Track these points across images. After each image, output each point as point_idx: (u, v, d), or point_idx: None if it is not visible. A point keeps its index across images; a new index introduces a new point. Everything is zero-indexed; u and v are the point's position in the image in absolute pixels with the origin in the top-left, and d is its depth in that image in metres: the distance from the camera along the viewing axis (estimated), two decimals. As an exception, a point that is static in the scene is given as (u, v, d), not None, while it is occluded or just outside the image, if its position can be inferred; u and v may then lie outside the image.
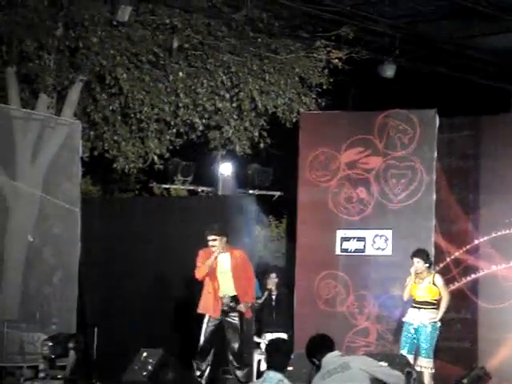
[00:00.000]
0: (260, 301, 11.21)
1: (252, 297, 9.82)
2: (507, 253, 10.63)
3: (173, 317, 11.81)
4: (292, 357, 8.10)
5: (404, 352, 9.48)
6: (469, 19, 11.36)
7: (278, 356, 6.33)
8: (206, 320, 9.51)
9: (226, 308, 9.48)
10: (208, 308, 9.51)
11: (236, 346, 9.44)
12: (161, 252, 11.98)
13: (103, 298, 11.98)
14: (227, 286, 9.54)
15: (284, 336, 10.61)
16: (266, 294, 11.36)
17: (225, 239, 9.49)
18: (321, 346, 6.48)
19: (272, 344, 6.59)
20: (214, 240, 9.45)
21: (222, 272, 9.53)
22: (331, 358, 6.37)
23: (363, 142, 11.12)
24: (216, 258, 9.46)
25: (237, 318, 9.49)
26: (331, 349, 6.44)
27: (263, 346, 10.02)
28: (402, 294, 9.98)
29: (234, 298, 9.51)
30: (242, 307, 9.48)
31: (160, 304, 11.90)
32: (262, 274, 11.34)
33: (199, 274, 9.52)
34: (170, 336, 11.43)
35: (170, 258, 11.87)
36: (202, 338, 9.46)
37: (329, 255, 11.09)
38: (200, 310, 9.56)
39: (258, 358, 10.80)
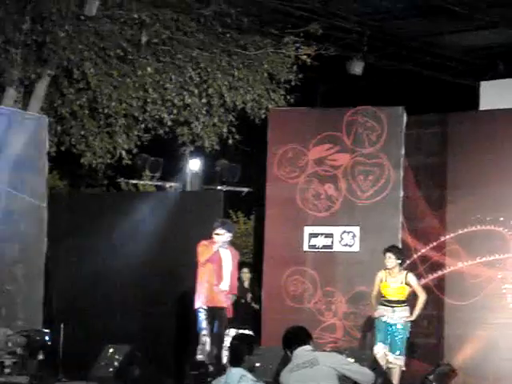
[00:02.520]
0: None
1: (235, 291, 9.95)
2: (473, 250, 10.69)
3: (141, 313, 11.77)
4: (259, 352, 8.11)
5: (380, 345, 9.49)
6: (437, 17, 11.43)
7: (240, 352, 6.32)
8: (202, 317, 9.52)
9: (223, 305, 9.63)
10: (214, 299, 9.54)
11: (224, 339, 9.50)
12: (128, 248, 11.92)
13: (70, 294, 11.91)
14: (226, 282, 9.69)
15: (248, 332, 10.61)
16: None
17: (229, 236, 9.61)
18: (295, 338, 6.46)
19: (235, 340, 6.58)
20: (219, 234, 9.60)
21: (225, 267, 9.68)
22: (302, 352, 6.37)
23: (331, 138, 11.14)
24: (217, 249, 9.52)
25: (225, 312, 9.61)
26: (305, 342, 6.42)
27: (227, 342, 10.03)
28: (369, 290, 10.01)
29: (226, 293, 9.67)
30: (231, 298, 9.66)
31: (128, 300, 11.84)
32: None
33: (202, 258, 9.57)
34: (137, 332, 11.38)
35: (137, 253, 11.82)
36: (201, 336, 9.46)
37: (296, 251, 11.11)
38: (208, 303, 9.53)
39: (226, 354, 10.79)
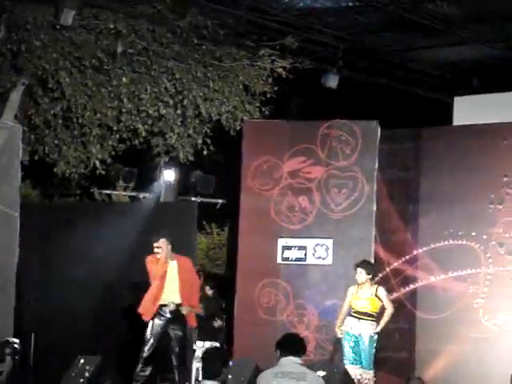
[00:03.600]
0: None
1: (197, 305, 9.85)
2: (445, 264, 10.77)
3: (112, 324, 11.72)
4: (231, 364, 8.11)
5: (349, 366, 9.50)
6: (411, 32, 11.49)
7: (214, 365, 6.31)
8: (149, 325, 9.50)
9: (170, 316, 9.49)
10: (145, 310, 9.55)
11: (180, 352, 9.45)
12: (101, 258, 11.88)
13: (41, 304, 11.83)
14: (173, 293, 9.57)
15: (216, 344, 10.60)
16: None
17: (170, 246, 9.52)
18: (290, 345, 6.50)
19: (209, 353, 6.57)
20: (159, 247, 9.49)
21: (170, 279, 9.55)
22: (290, 362, 6.40)
23: (306, 151, 11.18)
24: (165, 260, 9.46)
25: (181, 325, 9.50)
26: (297, 354, 6.45)
27: (199, 354, 10.02)
28: (341, 303, 10.04)
29: (178, 306, 9.52)
30: (184, 309, 9.52)
31: (99, 311, 11.79)
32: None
33: (155, 276, 9.52)
34: (108, 343, 11.33)
35: (110, 264, 11.78)
36: (146, 344, 9.45)
37: (270, 263, 11.12)
38: (139, 311, 9.54)
39: (197, 366, 10.77)
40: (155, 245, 9.55)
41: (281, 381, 6.30)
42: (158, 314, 9.53)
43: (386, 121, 11.15)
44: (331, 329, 10.63)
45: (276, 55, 11.82)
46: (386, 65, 12.72)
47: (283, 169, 11.25)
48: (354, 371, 9.43)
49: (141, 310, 9.59)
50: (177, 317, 9.53)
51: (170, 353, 9.51)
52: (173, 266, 9.60)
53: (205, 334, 11.02)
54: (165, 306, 9.54)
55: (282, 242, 11.15)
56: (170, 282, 9.58)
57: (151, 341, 9.47)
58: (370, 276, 9.74)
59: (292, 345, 6.52)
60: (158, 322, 9.51)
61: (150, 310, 9.56)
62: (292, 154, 11.23)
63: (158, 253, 9.50)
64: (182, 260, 9.70)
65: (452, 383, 10.40)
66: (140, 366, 9.47)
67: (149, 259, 9.63)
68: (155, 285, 9.56)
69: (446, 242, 10.80)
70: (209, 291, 12.67)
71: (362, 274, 9.71)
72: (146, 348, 9.46)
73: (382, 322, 9.67)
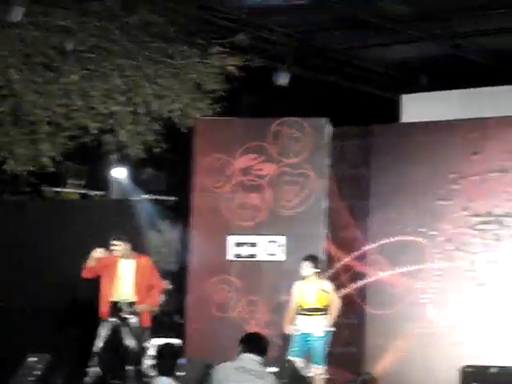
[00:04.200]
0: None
1: (156, 303, 9.87)
2: (394, 260, 10.87)
3: (64, 322, 11.67)
4: (183, 362, 8.14)
5: (296, 359, 9.57)
6: (361, 30, 11.60)
7: (169, 361, 6.35)
8: (101, 324, 9.51)
9: (122, 314, 9.52)
10: (103, 312, 9.53)
11: (133, 350, 9.46)
12: (52, 255, 11.82)
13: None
14: (126, 292, 9.60)
15: (171, 341, 10.62)
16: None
17: (129, 246, 9.56)
18: (253, 342, 6.56)
19: (162, 349, 6.60)
20: (116, 245, 9.54)
21: (123, 277, 9.58)
22: (251, 359, 6.45)
23: (257, 148, 11.23)
24: (115, 259, 9.48)
25: (133, 323, 9.53)
26: (259, 353, 6.50)
27: (151, 352, 10.04)
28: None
29: (132, 304, 9.55)
30: (140, 308, 9.54)
31: (50, 309, 11.73)
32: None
33: (86, 269, 9.57)
34: (61, 341, 11.29)
35: (61, 261, 11.73)
36: (98, 343, 9.46)
37: (222, 260, 11.15)
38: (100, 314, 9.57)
39: (148, 363, 10.77)
40: (113, 242, 9.56)
41: (241, 375, 6.35)
42: (112, 311, 9.54)
43: (337, 118, 11.25)
44: (282, 325, 10.71)
45: (227, 53, 11.86)
46: (336, 63, 12.83)
47: (235, 166, 11.28)
48: (301, 364, 9.49)
49: (102, 308, 9.60)
50: (130, 314, 9.54)
51: (121, 350, 9.51)
52: (128, 265, 9.60)
53: (165, 330, 11.04)
54: (116, 303, 9.55)
55: (233, 238, 11.18)
56: (122, 280, 9.59)
57: (103, 338, 9.47)
58: (316, 270, 9.80)
59: (255, 343, 6.57)
60: (110, 319, 9.52)
61: (103, 308, 9.58)
62: (243, 152, 11.27)
63: (115, 250, 9.51)
64: (141, 260, 9.72)
65: (401, 378, 10.50)
66: (92, 363, 9.46)
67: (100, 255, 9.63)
68: (106, 283, 9.57)
69: (394, 238, 10.91)
70: (168, 286, 12.63)
71: (307, 268, 9.77)
72: (99, 345, 9.46)
73: (331, 317, 9.73)
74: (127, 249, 9.56)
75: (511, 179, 10.50)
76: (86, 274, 9.64)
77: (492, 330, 10.23)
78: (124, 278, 9.57)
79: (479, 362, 9.63)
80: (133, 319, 9.52)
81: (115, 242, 9.58)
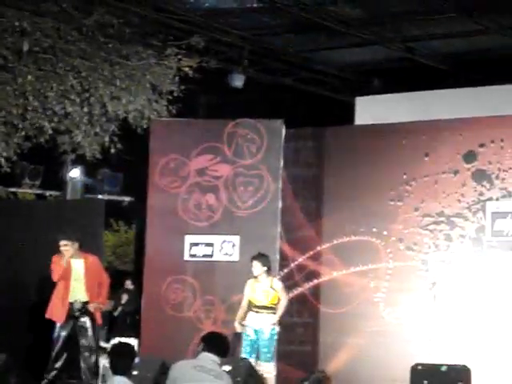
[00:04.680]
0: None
1: (105, 301, 9.90)
2: (347, 259, 11.01)
3: (20, 322, 11.63)
4: (137, 361, 8.17)
5: (245, 356, 9.67)
6: (315, 33, 11.71)
7: (122, 360, 6.38)
8: (57, 326, 9.53)
9: (77, 313, 9.57)
10: (56, 314, 9.53)
11: (87, 349, 9.49)
12: (6, 257, 11.77)
13: None
14: (79, 292, 9.63)
15: (131, 341, 10.66)
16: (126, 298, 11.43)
17: (77, 245, 9.57)
18: (214, 342, 6.58)
19: (115, 348, 6.64)
20: (66, 245, 9.53)
21: (76, 278, 9.61)
22: (207, 359, 6.47)
23: (213, 149, 11.30)
24: (69, 260, 9.47)
25: (88, 322, 9.55)
26: (218, 353, 6.51)
27: (106, 351, 10.07)
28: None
29: (86, 304, 9.58)
30: (91, 307, 9.57)
31: (6, 309, 11.69)
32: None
33: (55, 276, 9.59)
34: (15, 341, 11.25)
35: (15, 262, 11.69)
36: (55, 345, 9.50)
37: (177, 260, 11.20)
38: (48, 316, 9.55)
39: (103, 362, 10.81)
40: (62, 243, 9.56)
41: (199, 374, 6.37)
42: (67, 312, 9.57)
43: (291, 120, 11.36)
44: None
45: (182, 54, 11.89)
46: (291, 65, 12.92)
47: (190, 167, 11.34)
48: (253, 363, 9.57)
49: (49, 314, 9.60)
50: (84, 314, 9.58)
51: (77, 350, 9.53)
52: (79, 265, 9.63)
53: (126, 329, 11.07)
54: (71, 303, 9.58)
55: (189, 238, 11.24)
56: (76, 281, 9.61)
57: (61, 339, 9.48)
58: (265, 268, 9.86)
59: (216, 343, 6.59)
60: (67, 321, 9.55)
61: (60, 312, 9.58)
62: (199, 152, 11.33)
63: (65, 250, 9.52)
64: (89, 258, 9.74)
65: (354, 375, 10.63)
66: (50, 364, 9.46)
67: (54, 259, 9.65)
68: (61, 285, 9.59)
69: (348, 238, 11.03)
70: (130, 286, 12.69)
71: (257, 267, 9.85)
72: (56, 346, 9.46)
73: (277, 315, 9.77)
74: (76, 248, 9.58)
75: (462, 180, 10.69)
76: (57, 279, 9.61)
77: (443, 329, 10.41)
78: (76, 277, 9.59)
79: (431, 359, 9.78)
80: (86, 319, 9.54)
81: (64, 242, 9.58)
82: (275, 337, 9.82)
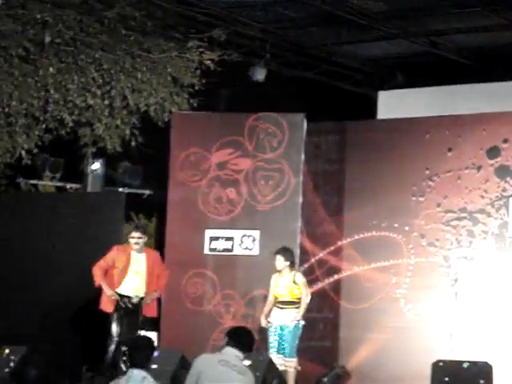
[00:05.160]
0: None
1: (160, 289, 9.92)
2: (369, 255, 10.97)
3: (39, 315, 11.65)
4: (156, 354, 8.15)
5: (273, 355, 9.61)
6: (338, 27, 11.64)
7: (140, 353, 6.35)
8: (114, 317, 9.57)
9: (131, 307, 9.60)
10: (106, 305, 9.62)
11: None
12: (27, 249, 11.80)
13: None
14: (139, 286, 9.68)
15: (152, 334, 10.66)
16: None
17: (145, 239, 9.64)
18: (239, 337, 6.56)
19: (133, 342, 6.62)
20: (139, 238, 9.63)
21: (137, 272, 9.66)
22: (231, 354, 6.46)
23: (233, 143, 11.28)
24: (130, 252, 9.55)
25: (138, 318, 9.65)
26: (242, 349, 6.49)
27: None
28: (267, 293, 10.16)
29: (142, 299, 9.66)
30: (148, 299, 9.64)
31: (26, 302, 11.71)
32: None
33: (97, 268, 9.63)
34: (35, 334, 11.27)
35: (36, 254, 11.71)
36: (113, 336, 9.51)
37: (197, 254, 11.20)
38: (108, 310, 9.62)
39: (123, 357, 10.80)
40: (136, 235, 9.56)
41: (222, 368, 6.37)
42: (120, 304, 9.58)
43: (313, 114, 11.31)
44: (257, 318, 10.76)
45: (204, 47, 11.85)
46: (313, 59, 12.86)
47: (211, 160, 11.33)
48: (278, 360, 9.54)
49: (102, 306, 9.65)
50: (137, 310, 9.63)
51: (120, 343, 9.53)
52: (141, 259, 9.67)
53: (144, 323, 11.07)
54: (129, 297, 9.62)
55: (209, 232, 11.23)
56: (137, 274, 9.65)
57: (117, 332, 9.52)
58: (288, 263, 9.82)
59: (241, 339, 6.56)
60: (121, 312, 9.59)
61: (109, 301, 9.61)
62: (220, 146, 11.32)
63: (137, 243, 9.55)
64: (151, 253, 9.85)
65: (374, 371, 10.60)
66: (108, 356, 9.46)
67: (117, 247, 9.74)
68: (116, 274, 9.59)
69: (369, 234, 11.00)
70: None
71: (280, 261, 9.81)
72: (114, 339, 9.49)
73: (301, 310, 9.72)
74: (144, 242, 9.61)
75: (485, 176, 10.62)
76: (95, 273, 9.66)
77: (465, 326, 10.34)
78: (137, 271, 9.64)
79: (452, 356, 9.73)
80: (136, 314, 9.61)
81: (139, 235, 9.63)
82: (299, 332, 9.77)
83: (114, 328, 9.53)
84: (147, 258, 9.71)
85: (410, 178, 10.92)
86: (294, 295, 9.79)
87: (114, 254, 9.72)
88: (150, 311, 9.85)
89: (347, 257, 11.11)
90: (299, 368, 9.76)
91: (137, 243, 9.60)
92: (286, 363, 9.67)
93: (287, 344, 9.71)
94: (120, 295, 9.61)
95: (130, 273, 9.66)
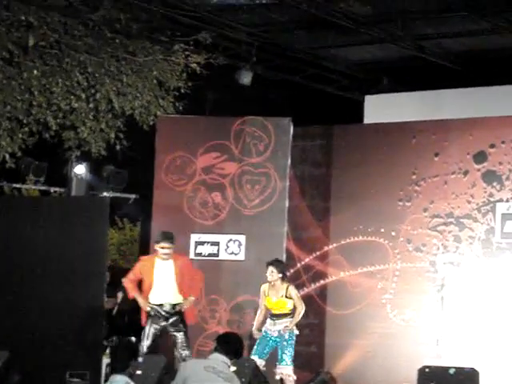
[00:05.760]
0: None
1: (196, 293, 9.87)
2: (355, 260, 10.94)
3: (22, 318, 11.54)
4: (140, 360, 8.09)
5: (255, 357, 9.54)
6: (324, 31, 11.62)
7: (122, 359, 6.30)
8: (147, 325, 9.56)
9: (167, 315, 9.56)
10: (144, 318, 9.65)
11: (182, 347, 9.54)
12: (10, 252, 11.69)
13: None
14: (169, 294, 9.61)
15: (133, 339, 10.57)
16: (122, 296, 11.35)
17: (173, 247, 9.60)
18: (227, 343, 6.52)
19: (119, 346, 6.56)
20: (169, 248, 9.57)
21: (164, 280, 9.58)
22: (220, 360, 6.42)
23: (219, 147, 11.23)
24: (153, 260, 9.56)
25: (179, 325, 9.60)
26: (231, 354, 6.46)
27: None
28: (253, 299, 10.09)
29: (175, 305, 9.60)
30: (183, 305, 9.60)
31: (9, 306, 11.60)
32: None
33: (127, 281, 9.67)
34: (17, 339, 11.17)
35: (19, 258, 11.60)
36: (146, 342, 9.46)
37: (182, 259, 11.11)
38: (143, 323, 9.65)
39: (106, 361, 10.71)
40: (165, 245, 9.51)
41: (209, 375, 6.31)
42: (153, 313, 9.57)
43: (299, 118, 11.27)
44: (242, 324, 10.71)
45: (190, 50, 11.80)
46: (299, 63, 12.84)
47: (197, 164, 11.27)
48: (261, 364, 9.47)
49: (143, 322, 9.65)
50: (173, 315, 9.59)
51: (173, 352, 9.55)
52: (169, 266, 9.59)
53: (125, 327, 10.97)
54: (160, 305, 9.57)
55: (194, 237, 11.17)
56: (166, 282, 9.59)
57: (149, 340, 9.49)
58: (280, 275, 9.73)
59: (229, 345, 6.53)
60: (154, 320, 9.56)
61: (143, 314, 9.65)
62: (205, 150, 11.26)
63: (166, 254, 9.50)
64: (179, 259, 9.75)
65: (360, 377, 10.57)
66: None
67: (142, 258, 9.85)
68: (147, 285, 9.60)
69: (355, 239, 10.97)
70: None
71: (273, 273, 9.68)
72: (145, 347, 9.43)
73: (293, 321, 9.63)
74: (170, 250, 9.60)
75: (472, 181, 10.61)
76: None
77: (451, 331, 10.31)
78: (165, 279, 9.58)
79: (439, 362, 9.70)
80: (175, 321, 9.56)
81: (168, 245, 9.55)
82: (294, 340, 9.65)
83: (144, 342, 9.50)
84: (174, 263, 9.64)
85: (396, 183, 10.90)
86: (287, 308, 9.68)
87: (140, 266, 9.74)
88: (188, 318, 9.78)
89: (333, 262, 11.07)
90: (295, 377, 9.67)
91: (167, 254, 9.54)
92: (284, 372, 9.58)
93: (284, 353, 9.61)
94: (151, 306, 9.59)
95: (157, 281, 9.60)
